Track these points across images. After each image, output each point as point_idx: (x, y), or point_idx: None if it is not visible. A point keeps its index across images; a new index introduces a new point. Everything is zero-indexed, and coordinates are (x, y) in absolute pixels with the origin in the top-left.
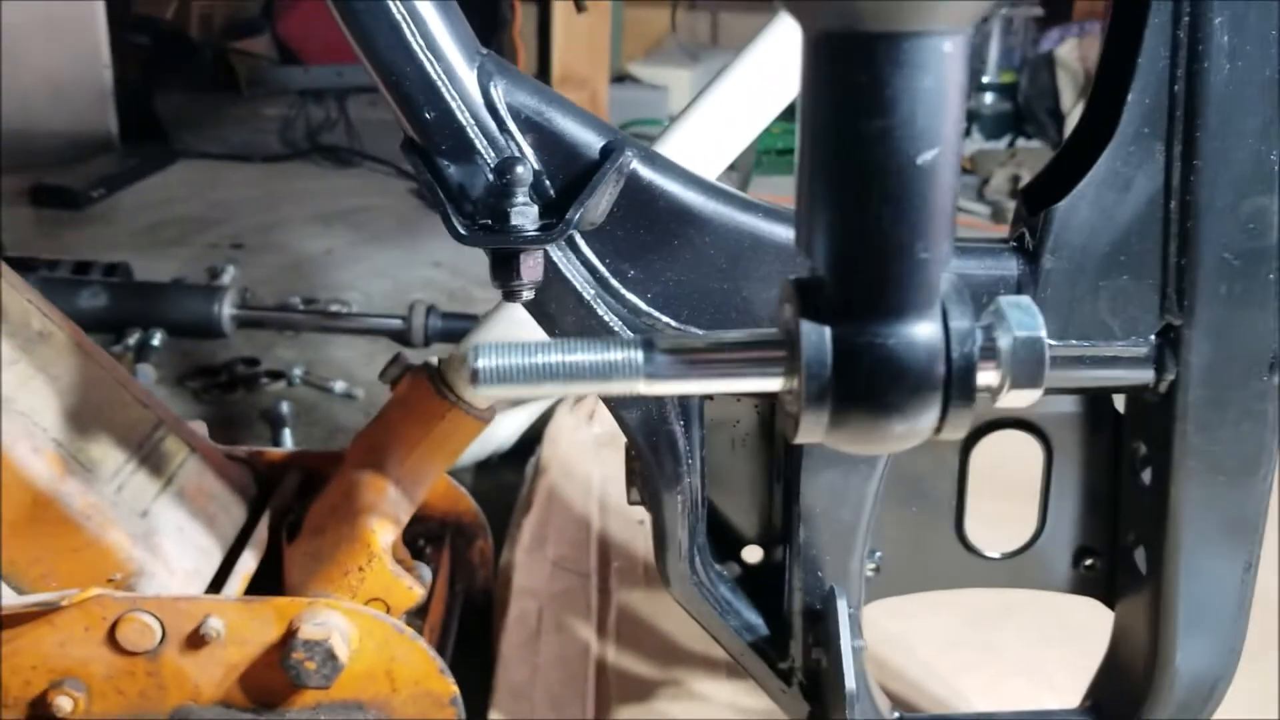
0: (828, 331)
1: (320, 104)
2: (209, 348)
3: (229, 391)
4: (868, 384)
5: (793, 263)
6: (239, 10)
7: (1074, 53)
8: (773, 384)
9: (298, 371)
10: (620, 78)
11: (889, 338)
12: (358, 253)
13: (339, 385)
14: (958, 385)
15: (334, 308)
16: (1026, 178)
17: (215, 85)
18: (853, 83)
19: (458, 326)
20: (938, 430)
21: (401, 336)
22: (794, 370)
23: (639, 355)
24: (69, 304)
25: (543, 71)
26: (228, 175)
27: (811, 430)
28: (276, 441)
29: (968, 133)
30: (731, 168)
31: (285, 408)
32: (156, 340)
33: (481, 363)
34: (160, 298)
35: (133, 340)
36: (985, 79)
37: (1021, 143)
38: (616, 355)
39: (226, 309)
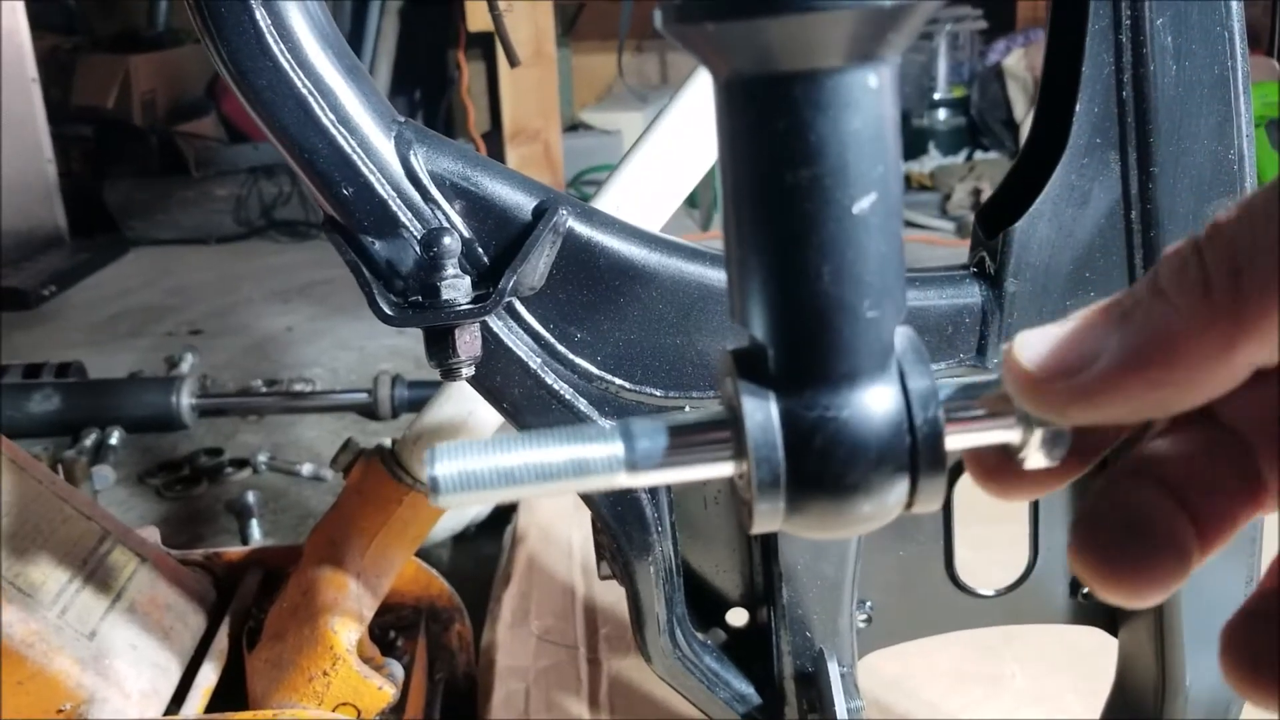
0: (774, 407)
1: (272, 179)
2: (170, 441)
3: (193, 485)
4: (824, 464)
5: None
6: (182, 93)
7: (1021, 62)
8: (723, 469)
9: (263, 458)
10: (573, 126)
11: (842, 409)
12: (319, 327)
13: (306, 468)
14: (925, 454)
15: (297, 387)
16: (988, 190)
17: (164, 170)
18: (772, 130)
19: (427, 395)
20: (909, 505)
21: (369, 410)
22: (742, 453)
23: (618, 446)
24: (20, 409)
25: (495, 127)
26: (182, 260)
27: (768, 519)
28: (244, 534)
29: (925, 150)
30: (693, 205)
31: (252, 497)
32: (114, 439)
33: (440, 469)
34: (116, 394)
35: (89, 441)
36: (936, 95)
37: (979, 155)
38: (594, 449)
39: (185, 399)
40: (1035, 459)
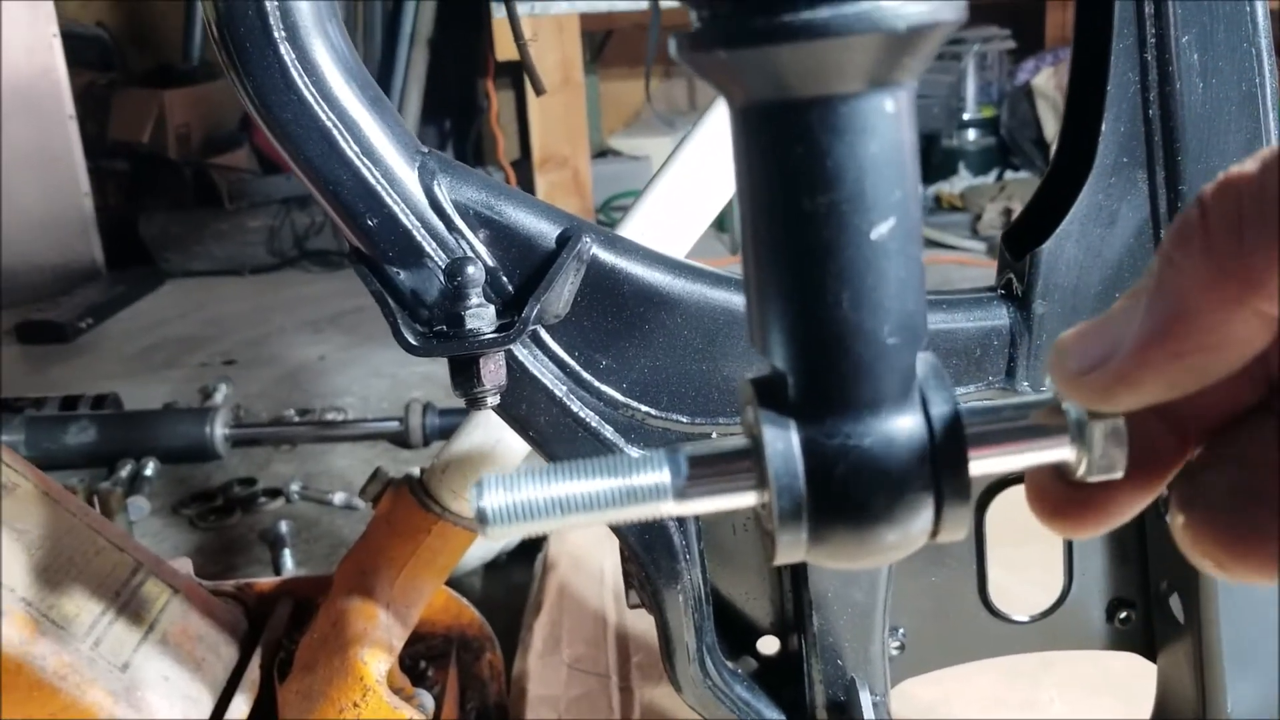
0: (795, 436)
1: (304, 210)
2: (205, 471)
3: (226, 515)
4: (847, 492)
5: None
6: (216, 126)
7: (1051, 81)
8: (747, 498)
9: (295, 487)
10: (602, 153)
11: (864, 437)
12: (351, 355)
13: (339, 497)
14: (949, 482)
15: (330, 416)
16: (1018, 209)
17: (198, 202)
18: (789, 156)
19: (458, 423)
20: (934, 534)
21: (400, 438)
22: (764, 482)
23: (665, 475)
24: (57, 441)
25: (524, 155)
26: (217, 291)
27: (791, 549)
28: (277, 563)
29: (955, 170)
30: (722, 229)
31: (284, 527)
32: (150, 470)
33: (488, 501)
34: (150, 426)
35: (124, 472)
36: (966, 116)
37: (1009, 175)
38: (643, 477)
39: (219, 430)
40: (1097, 466)
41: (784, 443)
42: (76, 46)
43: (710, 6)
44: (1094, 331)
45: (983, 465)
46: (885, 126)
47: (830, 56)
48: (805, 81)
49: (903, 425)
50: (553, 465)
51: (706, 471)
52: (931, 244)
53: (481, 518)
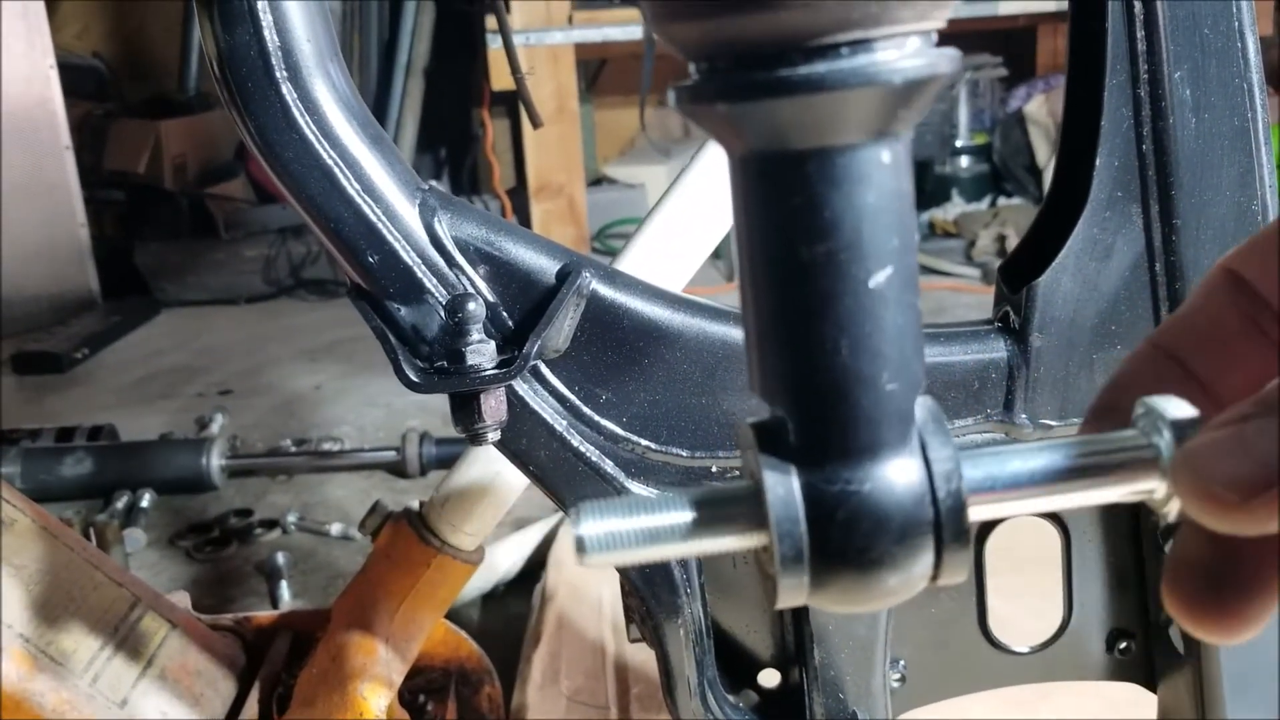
0: (795, 481)
1: (300, 239)
2: (200, 502)
3: (223, 547)
4: (848, 538)
5: None
6: (212, 156)
7: (1043, 108)
8: (748, 540)
9: (291, 518)
10: (597, 180)
11: (865, 482)
12: (348, 384)
13: (335, 528)
14: (949, 527)
15: (326, 446)
16: (1012, 236)
17: (194, 232)
18: (788, 206)
19: (455, 452)
20: (934, 578)
21: (397, 468)
22: (764, 527)
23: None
24: (53, 473)
25: (520, 183)
26: (212, 321)
27: (792, 594)
28: (274, 595)
29: (948, 197)
30: (716, 256)
31: (281, 559)
32: (146, 501)
33: (586, 529)
34: (146, 457)
35: (121, 504)
36: (959, 142)
37: (1003, 201)
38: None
39: (215, 460)
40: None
41: (785, 488)
42: (73, 77)
43: (709, 60)
44: (1233, 449)
45: (983, 510)
46: (882, 177)
47: (828, 110)
48: (803, 134)
49: (903, 470)
50: (650, 498)
51: (713, 514)
52: (926, 270)
53: (579, 546)
